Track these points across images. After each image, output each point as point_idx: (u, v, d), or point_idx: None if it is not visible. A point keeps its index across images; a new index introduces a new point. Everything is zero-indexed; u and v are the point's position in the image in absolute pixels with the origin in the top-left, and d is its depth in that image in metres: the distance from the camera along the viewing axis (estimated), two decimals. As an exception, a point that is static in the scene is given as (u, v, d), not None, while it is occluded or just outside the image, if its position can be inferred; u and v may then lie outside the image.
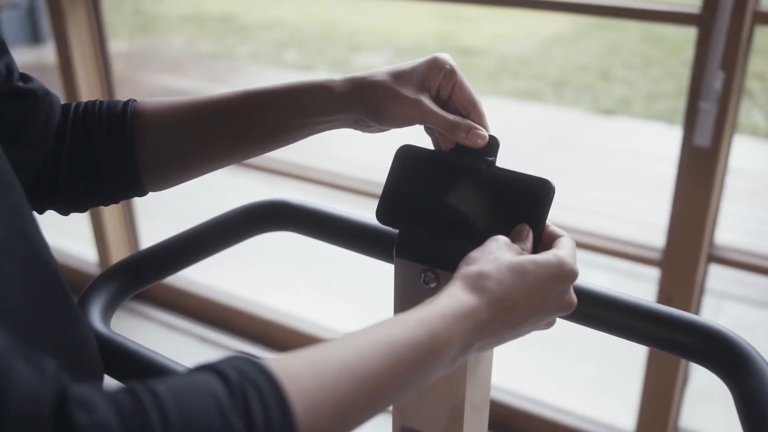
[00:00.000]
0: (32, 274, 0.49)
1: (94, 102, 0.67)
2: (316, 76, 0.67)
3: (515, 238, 0.58)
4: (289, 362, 0.42)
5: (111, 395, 0.36)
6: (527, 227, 0.59)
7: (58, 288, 0.52)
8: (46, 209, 0.67)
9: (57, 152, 0.64)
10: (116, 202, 0.68)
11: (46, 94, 0.64)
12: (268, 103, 0.65)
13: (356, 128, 0.68)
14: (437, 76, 0.64)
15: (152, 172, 0.66)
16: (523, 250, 0.57)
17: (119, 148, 0.65)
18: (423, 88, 0.64)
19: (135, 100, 0.67)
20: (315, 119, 0.66)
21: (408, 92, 0.63)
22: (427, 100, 0.63)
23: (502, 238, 0.56)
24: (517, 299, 0.52)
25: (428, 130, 0.69)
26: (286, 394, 0.39)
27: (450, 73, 0.64)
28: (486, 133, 0.64)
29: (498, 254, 0.54)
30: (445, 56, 0.65)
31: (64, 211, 0.68)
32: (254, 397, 0.38)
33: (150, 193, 0.69)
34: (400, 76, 0.64)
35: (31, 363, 0.35)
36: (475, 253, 0.55)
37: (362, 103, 0.64)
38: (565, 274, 0.54)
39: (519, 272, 0.52)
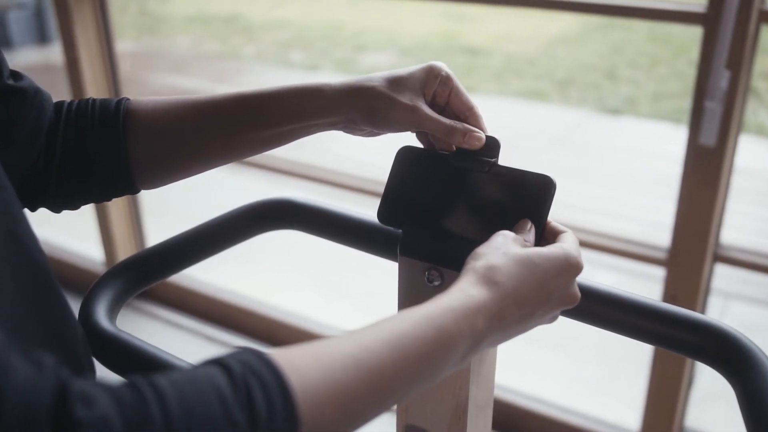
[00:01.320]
0: (23, 273, 0.49)
1: (87, 100, 0.67)
2: (321, 77, 0.68)
3: (517, 232, 0.58)
4: (294, 354, 0.42)
5: (112, 389, 0.36)
6: (529, 222, 0.59)
7: (49, 287, 0.52)
8: (38, 207, 0.67)
9: (49, 150, 0.64)
10: (108, 199, 0.68)
11: (37, 92, 0.64)
12: (262, 106, 0.66)
13: (346, 131, 0.68)
14: (433, 83, 0.65)
15: (144, 170, 0.67)
16: (526, 241, 0.57)
17: (112, 146, 0.65)
18: (419, 94, 0.64)
19: (128, 99, 0.67)
20: (308, 122, 0.66)
21: (405, 98, 0.63)
22: (423, 106, 0.64)
23: (508, 233, 0.56)
24: (527, 292, 0.52)
25: (421, 137, 0.69)
26: (289, 386, 0.39)
27: (446, 80, 0.65)
28: (483, 135, 0.64)
29: (506, 248, 0.54)
30: (441, 64, 0.66)
31: (56, 208, 0.68)
32: (257, 389, 0.38)
33: (142, 191, 0.69)
34: (396, 82, 0.64)
35: (28, 358, 0.35)
36: (482, 248, 0.55)
37: (357, 107, 0.64)
38: (571, 266, 0.54)
39: (528, 265, 0.52)
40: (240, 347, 0.42)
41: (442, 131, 0.64)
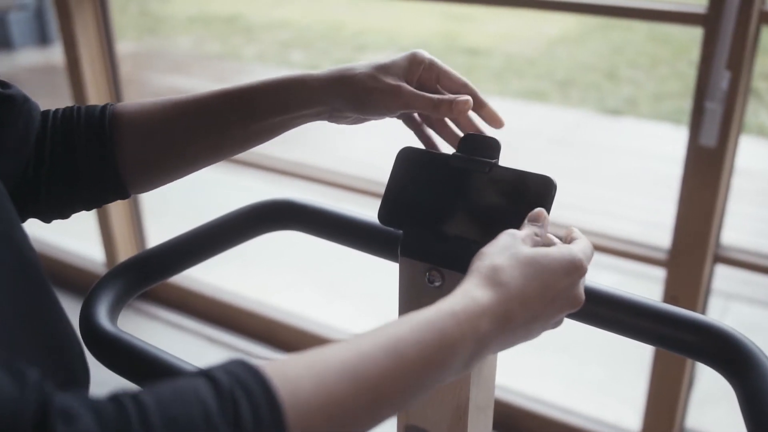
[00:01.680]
0: (17, 278, 0.49)
1: (72, 107, 0.67)
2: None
3: (532, 220, 0.57)
4: (287, 364, 0.41)
5: (94, 404, 0.36)
6: (544, 212, 0.58)
7: (43, 292, 0.52)
8: (28, 217, 0.67)
9: (38, 158, 0.64)
10: (99, 206, 0.68)
11: (26, 100, 0.64)
12: (248, 100, 0.66)
13: (332, 120, 0.69)
14: (417, 70, 0.66)
15: (134, 173, 0.66)
16: (537, 235, 0.55)
17: (99, 151, 0.65)
18: (402, 80, 0.65)
19: (113, 104, 0.67)
20: (293, 114, 0.66)
21: (390, 80, 0.64)
22: (407, 86, 0.65)
23: (516, 232, 0.55)
24: (532, 293, 0.50)
25: (409, 123, 0.70)
26: (278, 399, 0.38)
27: (430, 66, 0.66)
28: (468, 98, 0.65)
29: (513, 249, 0.52)
30: (423, 51, 0.67)
31: (47, 218, 0.68)
32: (244, 402, 0.37)
33: (135, 195, 0.68)
34: (380, 68, 0.65)
35: (12, 373, 0.35)
36: (488, 248, 0.53)
37: (343, 95, 0.65)
38: (575, 268, 0.52)
39: (533, 265, 0.51)
40: (234, 356, 0.41)
41: (429, 107, 0.64)
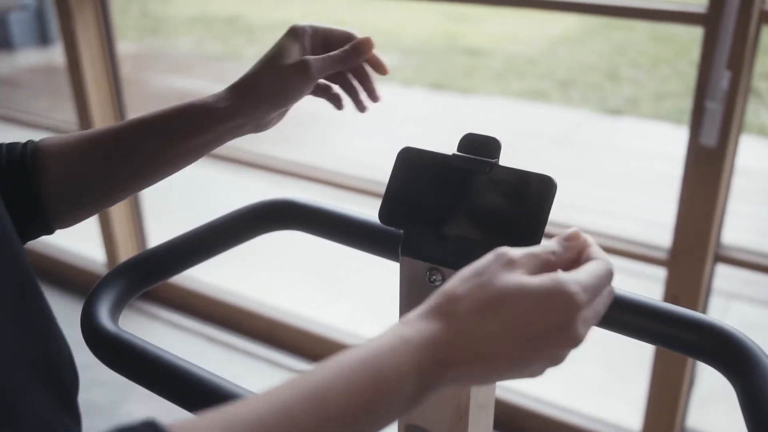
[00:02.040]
0: (14, 282, 0.49)
1: None
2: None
3: (566, 239, 0.50)
4: (199, 425, 0.39)
5: None
6: (579, 233, 0.50)
7: (35, 298, 0.52)
8: None
9: None
10: (23, 242, 0.67)
11: None
12: (158, 129, 0.66)
13: (258, 130, 0.70)
14: (305, 41, 0.68)
15: (58, 207, 0.66)
16: (554, 254, 0.48)
17: (22, 188, 0.64)
18: (299, 56, 0.67)
19: (34, 141, 0.67)
20: (205, 137, 0.67)
21: (290, 61, 0.66)
22: (309, 57, 0.67)
23: (506, 252, 0.47)
24: (495, 332, 0.44)
25: (317, 92, 0.72)
26: None
27: (314, 32, 0.69)
28: (369, 37, 0.69)
29: (485, 276, 0.45)
30: (300, 23, 0.69)
31: None
32: None
33: (57, 230, 0.68)
34: (274, 57, 0.67)
35: None
36: (463, 271, 0.47)
37: (256, 101, 0.66)
38: (560, 305, 0.44)
39: (500, 300, 0.44)
40: (143, 420, 0.39)
41: (340, 62, 0.67)
